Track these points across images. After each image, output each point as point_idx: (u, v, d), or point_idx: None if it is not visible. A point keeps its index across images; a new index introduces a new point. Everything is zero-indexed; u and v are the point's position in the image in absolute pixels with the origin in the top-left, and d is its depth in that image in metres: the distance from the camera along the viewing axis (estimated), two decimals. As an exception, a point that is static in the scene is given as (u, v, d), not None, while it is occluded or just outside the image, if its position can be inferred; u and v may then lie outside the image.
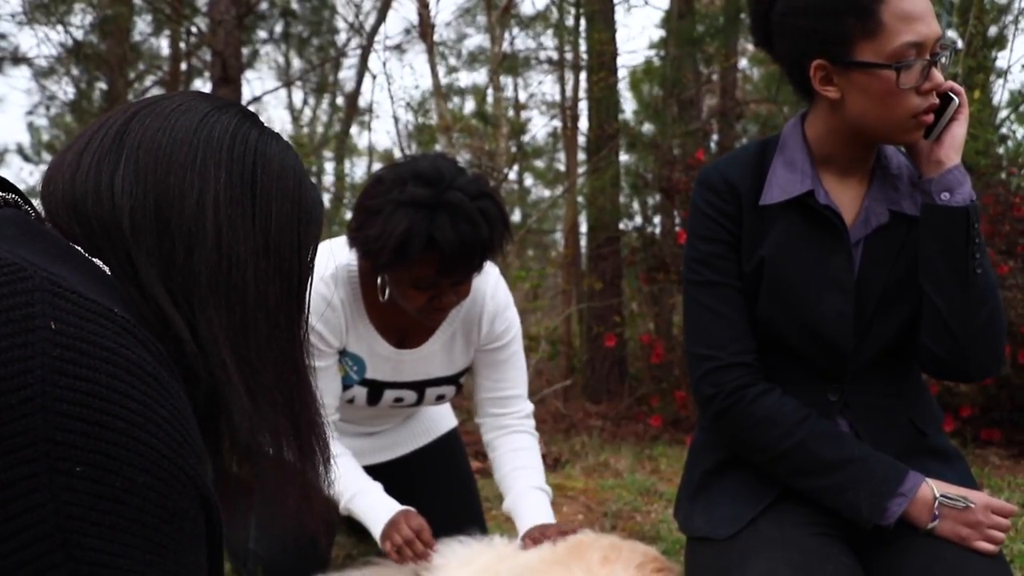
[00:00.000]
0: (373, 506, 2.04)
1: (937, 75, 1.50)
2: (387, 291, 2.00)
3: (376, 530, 2.00)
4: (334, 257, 2.05)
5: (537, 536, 1.98)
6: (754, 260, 1.64)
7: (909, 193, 1.62)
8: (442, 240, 1.82)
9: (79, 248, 0.81)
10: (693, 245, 1.70)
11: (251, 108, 0.99)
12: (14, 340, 0.66)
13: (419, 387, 2.23)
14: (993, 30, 6.17)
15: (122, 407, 0.68)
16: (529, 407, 2.30)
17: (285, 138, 0.96)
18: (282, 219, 0.90)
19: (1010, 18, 6.22)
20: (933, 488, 1.52)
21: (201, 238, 0.84)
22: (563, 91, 8.93)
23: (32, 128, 11.44)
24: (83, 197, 0.84)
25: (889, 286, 1.60)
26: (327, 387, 2.08)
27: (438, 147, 5.74)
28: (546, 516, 2.07)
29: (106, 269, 0.81)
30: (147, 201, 0.84)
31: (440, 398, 2.29)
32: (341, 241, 2.05)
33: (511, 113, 8.06)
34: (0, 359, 0.65)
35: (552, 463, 4.41)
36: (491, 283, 2.18)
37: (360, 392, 2.17)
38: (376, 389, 2.18)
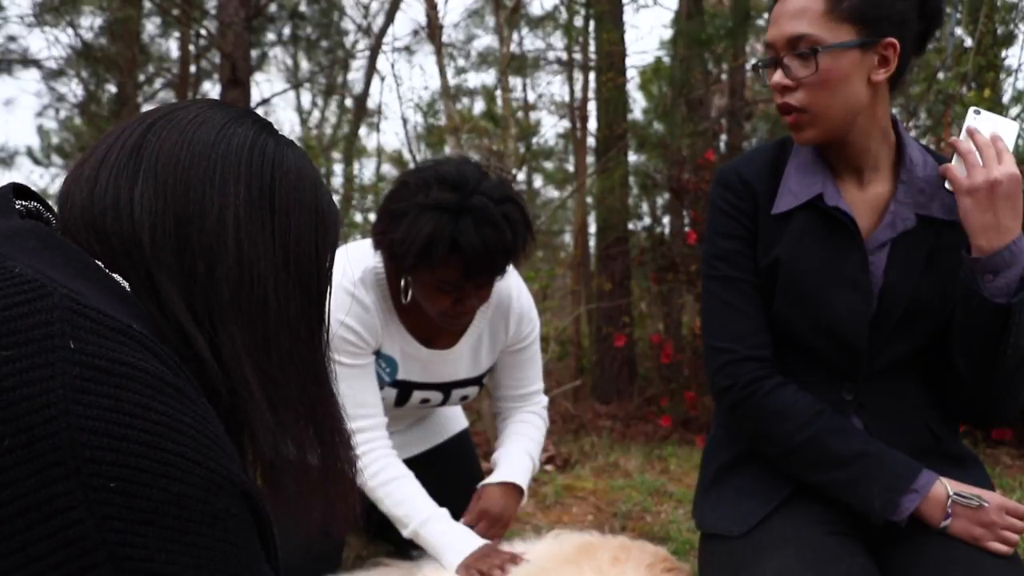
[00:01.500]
0: (450, 532, 2.01)
1: (773, 75, 1.56)
2: (410, 293, 2.01)
3: (455, 558, 1.95)
4: (361, 261, 2.06)
5: (476, 496, 2.12)
6: (769, 259, 1.65)
7: (937, 196, 1.61)
8: (466, 244, 1.84)
9: (99, 263, 0.81)
10: (712, 241, 1.71)
11: (260, 111, 0.99)
12: (34, 360, 0.66)
13: (446, 388, 2.24)
14: (1000, 28, 6.14)
15: (146, 420, 0.69)
16: (544, 399, 2.37)
17: (297, 143, 0.97)
18: (301, 229, 0.90)
19: (1019, 16, 6.20)
20: (947, 486, 1.52)
21: (222, 254, 0.84)
22: (572, 92, 8.94)
23: (41, 131, 11.48)
24: (102, 214, 0.84)
25: (918, 292, 1.59)
26: (368, 386, 2.09)
27: (447, 148, 5.75)
28: (512, 474, 2.14)
29: (125, 285, 0.81)
30: (167, 218, 0.83)
31: (464, 399, 2.31)
32: (363, 244, 2.06)
33: (520, 114, 8.06)
34: (21, 379, 0.66)
35: (562, 463, 4.41)
36: (515, 284, 2.20)
37: (390, 393, 2.19)
38: (406, 390, 2.20)
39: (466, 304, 1.97)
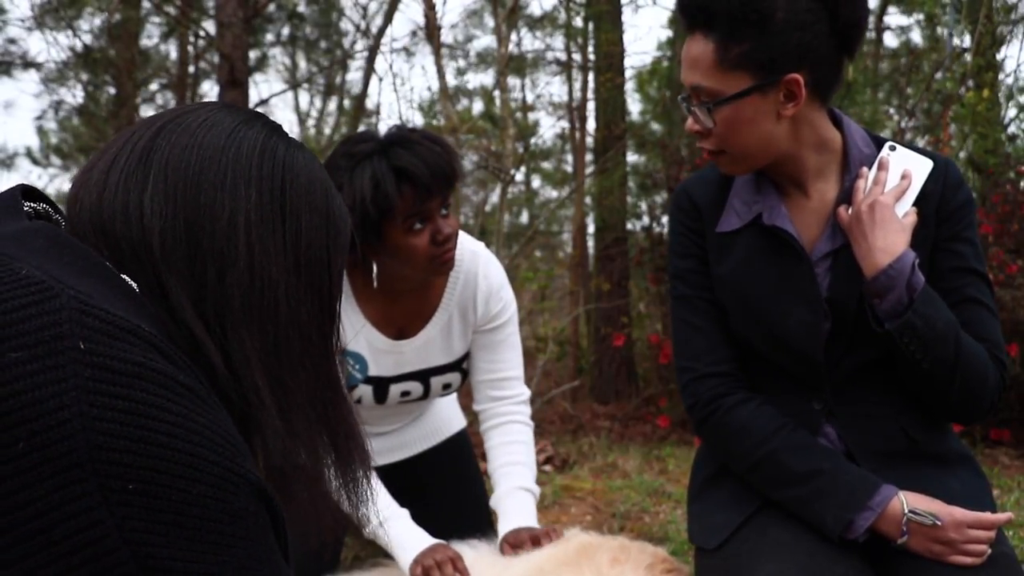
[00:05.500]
0: (405, 534, 2.00)
1: (688, 120, 1.58)
2: (378, 275, 2.01)
3: (407, 557, 1.94)
4: None
5: (512, 541, 1.98)
6: (718, 277, 1.67)
7: None
8: (409, 166, 1.87)
9: (107, 263, 0.80)
10: (671, 261, 1.75)
11: (259, 111, 0.98)
12: (45, 362, 0.66)
13: (423, 377, 2.22)
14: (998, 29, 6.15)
15: (161, 421, 0.69)
16: (526, 392, 2.30)
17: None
18: (312, 234, 0.89)
19: (1018, 17, 6.21)
20: (904, 503, 1.50)
21: (233, 259, 0.84)
22: (571, 92, 8.95)
23: (40, 131, 11.46)
24: (111, 218, 0.83)
25: (863, 301, 1.57)
26: None
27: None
28: (526, 519, 2.07)
29: (134, 285, 0.81)
30: (177, 222, 0.83)
31: (447, 387, 2.28)
32: None
33: (518, 114, 8.07)
34: (33, 382, 0.65)
35: (560, 464, 4.41)
36: (481, 263, 2.18)
37: (366, 391, 2.17)
38: (381, 385, 2.19)
39: (444, 234, 1.95)
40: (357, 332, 2.11)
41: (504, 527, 2.05)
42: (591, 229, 7.70)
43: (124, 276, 0.81)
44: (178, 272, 0.82)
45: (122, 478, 0.66)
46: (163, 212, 0.83)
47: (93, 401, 0.66)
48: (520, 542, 1.96)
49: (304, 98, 13.00)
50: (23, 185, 0.87)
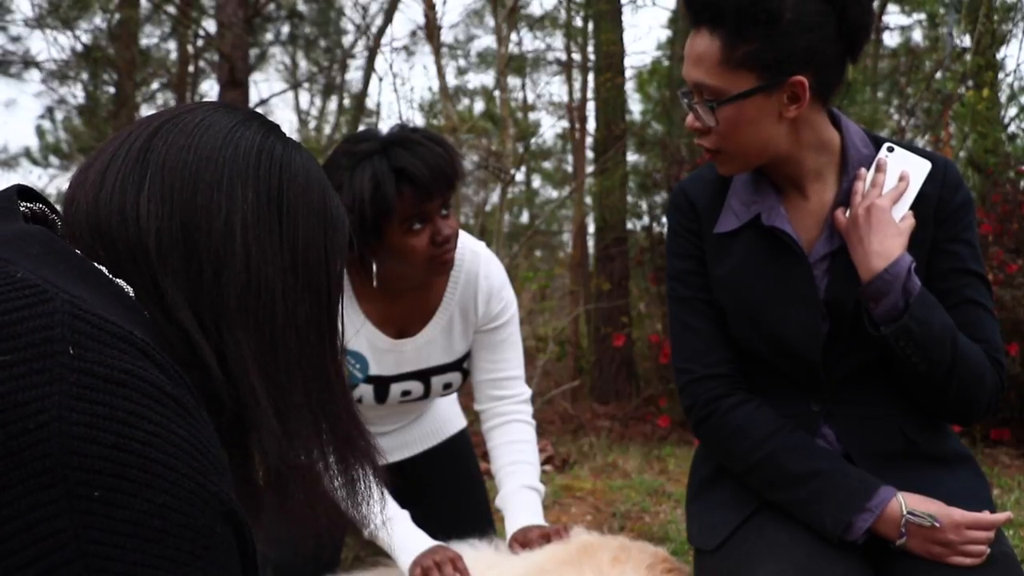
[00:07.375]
0: (405, 536, 2.00)
1: (688, 116, 1.57)
2: (378, 274, 2.00)
3: (406, 559, 1.94)
4: None
5: (522, 539, 1.98)
6: (716, 279, 1.66)
7: None
8: (409, 168, 1.86)
9: (103, 268, 0.79)
10: (669, 262, 1.74)
11: (259, 111, 0.97)
12: (32, 366, 0.65)
13: (424, 376, 2.22)
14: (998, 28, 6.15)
15: (138, 429, 0.67)
16: (527, 391, 2.30)
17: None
18: (309, 233, 0.89)
19: (1019, 15, 6.21)
20: (903, 504, 1.50)
21: (229, 259, 0.83)
22: (571, 92, 8.96)
23: (40, 131, 11.44)
24: (107, 218, 0.82)
25: (860, 302, 1.57)
26: None
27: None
28: (533, 517, 2.07)
29: (129, 290, 0.80)
30: (173, 222, 0.82)
31: (447, 387, 2.28)
32: None
33: (519, 114, 8.07)
34: (18, 384, 0.64)
35: (560, 464, 4.41)
36: (483, 263, 2.18)
37: (367, 390, 2.17)
38: (382, 384, 2.19)
39: (443, 235, 1.95)
40: (358, 331, 2.11)
41: (512, 525, 2.05)
42: (591, 229, 7.71)
43: (119, 281, 0.80)
44: (174, 273, 0.82)
45: (89, 484, 0.64)
46: (159, 213, 0.82)
47: (73, 407, 0.65)
48: (529, 540, 1.96)
49: (304, 98, 13.00)
50: (19, 185, 0.86)
